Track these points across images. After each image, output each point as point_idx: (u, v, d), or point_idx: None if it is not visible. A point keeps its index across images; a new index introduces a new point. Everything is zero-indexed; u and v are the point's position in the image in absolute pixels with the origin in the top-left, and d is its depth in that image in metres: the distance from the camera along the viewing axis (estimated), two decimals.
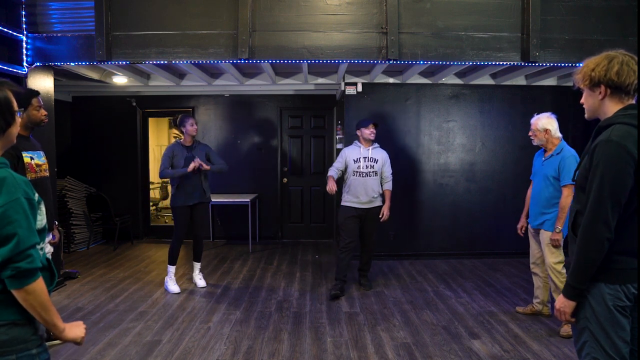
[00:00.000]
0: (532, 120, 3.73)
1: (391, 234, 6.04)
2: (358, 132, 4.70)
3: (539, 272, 3.88)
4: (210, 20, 4.23)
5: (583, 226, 1.70)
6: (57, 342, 1.59)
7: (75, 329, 1.57)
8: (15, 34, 4.24)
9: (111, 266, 5.73)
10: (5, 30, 4.13)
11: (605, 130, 1.70)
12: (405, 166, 6.03)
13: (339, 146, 6.75)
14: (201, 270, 5.02)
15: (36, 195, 1.48)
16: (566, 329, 3.56)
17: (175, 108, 7.13)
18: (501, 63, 4.45)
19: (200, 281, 4.90)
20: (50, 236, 3.01)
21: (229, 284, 5.02)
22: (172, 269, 4.71)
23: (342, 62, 4.53)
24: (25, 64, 4.33)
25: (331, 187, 4.44)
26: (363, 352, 3.34)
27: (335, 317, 4.04)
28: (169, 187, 5.51)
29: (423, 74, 5.94)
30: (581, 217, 1.73)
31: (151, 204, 8.06)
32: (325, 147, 7.41)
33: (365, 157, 4.61)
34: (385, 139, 5.66)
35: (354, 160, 4.61)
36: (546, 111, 3.78)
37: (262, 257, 6.29)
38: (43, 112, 3.01)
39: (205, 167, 4.59)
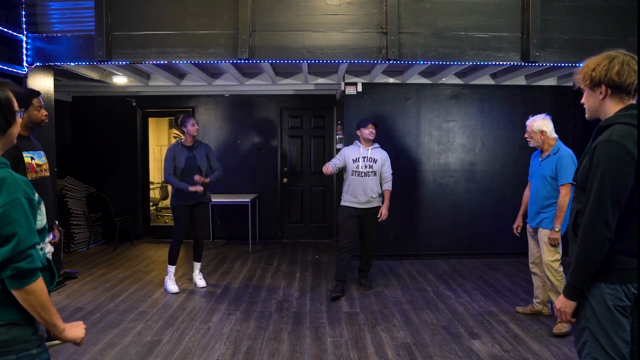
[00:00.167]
0: (528, 122, 3.75)
1: (391, 234, 6.04)
2: (358, 132, 4.70)
3: (538, 272, 3.89)
4: (210, 20, 4.23)
5: (583, 226, 1.69)
6: (57, 342, 1.59)
7: (75, 329, 1.57)
8: (15, 34, 4.24)
9: (111, 266, 5.72)
10: (5, 30, 4.13)
11: (605, 130, 1.70)
12: (405, 166, 6.03)
13: (339, 146, 6.75)
14: (201, 270, 5.02)
15: (36, 195, 1.48)
16: (559, 327, 3.58)
17: (175, 108, 7.13)
18: (501, 63, 4.45)
19: (200, 281, 4.90)
20: (51, 236, 3.01)
21: (229, 284, 5.02)
22: (171, 269, 4.71)
23: (342, 62, 4.53)
24: (25, 64, 4.33)
25: (326, 168, 4.55)
26: (363, 352, 3.34)
27: (335, 317, 4.04)
28: (169, 187, 5.51)
29: (423, 74, 5.94)
30: (581, 217, 1.72)
31: (151, 204, 8.06)
32: (325, 147, 7.41)
33: (364, 157, 4.61)
34: (385, 139, 5.66)
35: (353, 160, 4.62)
36: (546, 111, 3.79)
37: (262, 257, 6.29)
38: (44, 112, 3.01)
39: (205, 180, 4.64)
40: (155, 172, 8.90)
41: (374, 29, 4.27)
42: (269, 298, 4.55)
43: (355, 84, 5.97)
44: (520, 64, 4.44)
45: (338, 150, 6.75)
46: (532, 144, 3.76)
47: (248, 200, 6.52)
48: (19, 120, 1.52)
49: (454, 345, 3.44)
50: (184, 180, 4.60)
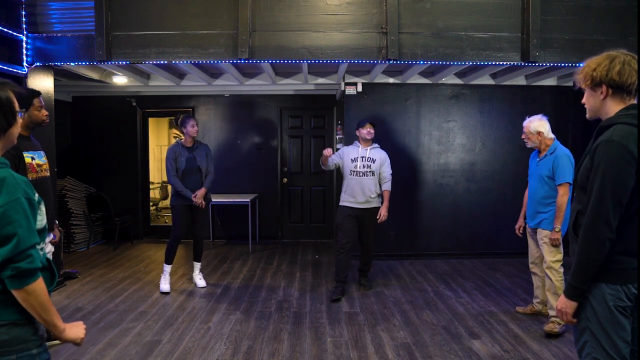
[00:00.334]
0: (524, 124, 3.75)
1: (391, 234, 6.04)
2: (357, 133, 4.70)
3: (538, 272, 3.89)
4: (210, 20, 4.23)
5: (584, 226, 1.69)
6: (57, 342, 1.58)
7: (75, 329, 1.57)
8: (15, 34, 4.23)
9: (111, 266, 5.72)
10: (5, 30, 4.13)
11: (606, 130, 1.70)
12: (405, 166, 6.02)
13: (339, 146, 6.74)
14: (201, 270, 5.02)
15: (36, 195, 1.48)
16: (550, 326, 3.58)
17: (175, 108, 7.13)
18: (501, 63, 4.45)
19: (200, 281, 4.90)
20: (51, 236, 3.01)
21: (229, 284, 5.01)
22: (167, 268, 4.70)
23: (342, 62, 4.53)
24: (25, 64, 4.33)
25: (327, 151, 4.55)
26: (363, 352, 3.34)
27: (335, 317, 4.04)
28: (169, 187, 5.51)
29: (423, 74, 5.94)
30: (582, 217, 1.72)
31: (151, 204, 8.06)
32: (325, 147, 7.37)
33: (362, 157, 4.60)
34: (385, 139, 5.66)
35: (351, 159, 4.62)
36: (546, 111, 3.79)
37: (262, 257, 6.29)
38: (44, 112, 3.02)
39: (202, 203, 4.67)
40: (155, 172, 8.90)
41: (374, 29, 4.27)
42: (269, 298, 4.55)
43: (355, 84, 5.97)
44: (520, 64, 4.44)
45: (338, 150, 6.75)
46: (529, 145, 3.77)
47: (248, 200, 6.52)
48: (19, 120, 1.52)
49: (454, 345, 3.44)
50: (184, 180, 4.61)
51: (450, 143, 6.11)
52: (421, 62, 4.45)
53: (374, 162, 4.61)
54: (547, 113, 3.77)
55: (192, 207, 4.71)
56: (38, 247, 1.43)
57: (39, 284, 1.40)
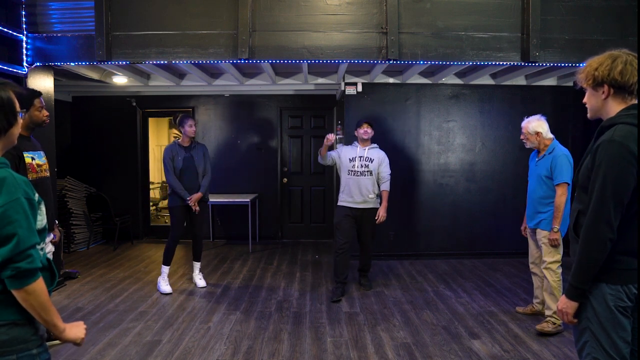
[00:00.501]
0: (523, 124, 3.74)
1: (391, 234, 6.04)
2: (355, 133, 4.71)
3: (538, 272, 3.88)
4: (210, 20, 4.23)
5: (585, 226, 1.69)
6: (57, 342, 1.58)
7: (75, 329, 1.57)
8: (15, 34, 4.23)
9: (111, 266, 5.72)
10: (5, 30, 4.13)
11: (607, 130, 1.69)
12: (405, 166, 6.02)
13: (338, 146, 6.74)
14: (201, 270, 5.02)
15: (36, 195, 1.47)
16: (543, 325, 3.58)
17: (175, 108, 7.13)
18: (501, 63, 4.45)
19: (200, 281, 4.89)
20: (51, 236, 3.01)
21: (229, 284, 5.01)
22: (165, 269, 4.70)
23: (342, 62, 4.52)
24: (25, 64, 4.33)
25: (330, 136, 4.45)
26: (363, 352, 3.34)
27: (335, 317, 4.04)
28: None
29: (423, 74, 5.94)
30: (583, 217, 1.72)
31: (151, 204, 8.05)
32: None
33: (360, 157, 4.60)
34: (385, 139, 5.66)
35: (349, 159, 4.61)
36: (546, 111, 3.79)
37: (262, 257, 6.29)
38: (45, 112, 3.02)
39: (199, 195, 4.68)
40: (155, 172, 8.90)
41: (374, 29, 4.27)
42: (269, 298, 4.55)
43: (355, 84, 5.97)
44: (520, 64, 4.44)
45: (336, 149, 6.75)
46: (528, 145, 3.76)
47: (248, 200, 6.52)
48: (20, 120, 1.52)
49: (454, 345, 3.44)
50: (181, 180, 4.62)
51: (450, 143, 6.11)
52: (421, 62, 4.45)
53: (371, 162, 4.60)
54: (547, 113, 3.76)
55: (190, 207, 4.71)
56: (38, 247, 1.43)
57: (39, 284, 1.40)
